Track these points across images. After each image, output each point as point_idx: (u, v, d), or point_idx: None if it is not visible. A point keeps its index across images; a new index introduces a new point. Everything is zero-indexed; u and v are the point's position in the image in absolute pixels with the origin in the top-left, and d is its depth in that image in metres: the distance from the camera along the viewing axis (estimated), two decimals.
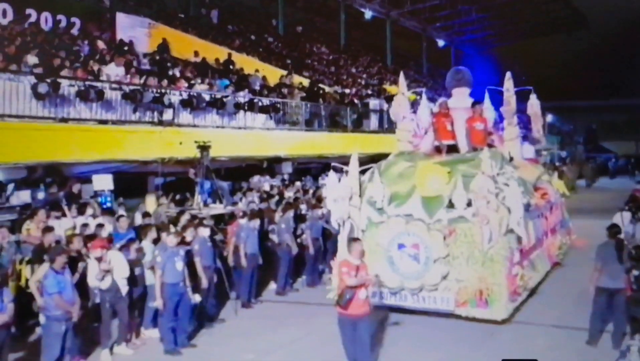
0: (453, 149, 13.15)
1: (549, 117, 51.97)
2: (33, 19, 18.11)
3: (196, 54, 21.60)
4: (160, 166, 14.64)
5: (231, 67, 22.03)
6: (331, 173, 11.95)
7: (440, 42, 47.17)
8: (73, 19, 19.22)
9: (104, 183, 13.99)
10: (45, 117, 12.83)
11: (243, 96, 18.09)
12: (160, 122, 14.76)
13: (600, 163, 48.75)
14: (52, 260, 8.15)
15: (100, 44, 17.98)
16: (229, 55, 22.93)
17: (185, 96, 15.89)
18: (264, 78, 21.81)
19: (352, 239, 8.33)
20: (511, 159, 12.76)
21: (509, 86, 13.81)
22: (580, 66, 53.10)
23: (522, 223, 10.33)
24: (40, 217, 10.84)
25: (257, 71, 22.45)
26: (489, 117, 13.64)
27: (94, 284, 8.93)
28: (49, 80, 12.70)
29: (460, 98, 13.91)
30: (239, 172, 18.41)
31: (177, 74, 17.80)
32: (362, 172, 11.41)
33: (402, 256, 10.47)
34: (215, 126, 16.69)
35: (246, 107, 17.56)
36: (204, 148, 13.74)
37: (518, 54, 49.77)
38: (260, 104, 18.25)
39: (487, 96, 14.83)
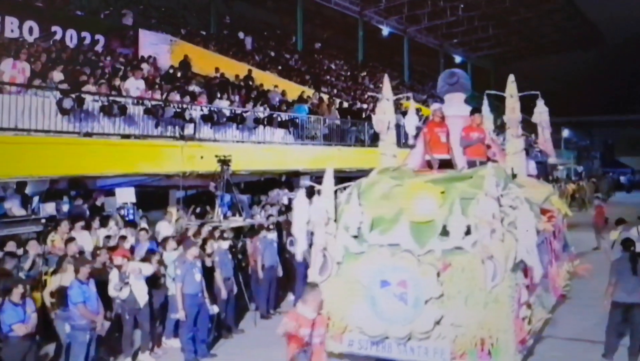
0: (447, 164, 11.21)
1: (566, 132, 51.90)
2: (59, 36, 18.56)
3: (217, 70, 21.94)
4: (182, 180, 14.87)
5: (251, 83, 22.35)
6: (300, 193, 9.68)
7: (458, 58, 47.31)
8: (97, 36, 19.69)
9: (126, 196, 14.26)
10: (70, 131, 13.04)
11: (262, 111, 18.36)
12: (182, 137, 14.96)
13: (615, 178, 48.33)
14: (77, 270, 8.39)
15: (122, 60, 18.39)
16: (249, 71, 23.27)
17: (206, 111, 16.13)
18: (282, 93, 22.08)
19: (310, 286, 7.16)
20: (514, 176, 10.74)
21: (512, 90, 11.63)
22: (597, 81, 52.95)
23: (535, 252, 8.22)
24: (64, 228, 11.07)
25: (276, 86, 22.72)
26: (488, 126, 12.21)
27: (113, 294, 9.16)
28: (73, 95, 12.96)
29: (454, 105, 12.14)
30: (258, 185, 18.63)
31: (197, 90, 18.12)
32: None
33: (386, 296, 8.30)
34: (236, 140, 16.88)
35: (265, 122, 17.79)
36: (224, 162, 13.95)
37: (535, 70, 49.74)
38: (279, 119, 18.48)
39: (485, 102, 13.21)
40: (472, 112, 11.38)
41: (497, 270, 7.93)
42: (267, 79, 23.81)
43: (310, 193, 9.33)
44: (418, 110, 14.32)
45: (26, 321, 7.65)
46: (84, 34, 19.29)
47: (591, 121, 59.02)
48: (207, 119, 15.92)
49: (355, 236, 8.77)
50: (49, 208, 12.91)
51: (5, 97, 12.13)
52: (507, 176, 9.92)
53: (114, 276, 9.17)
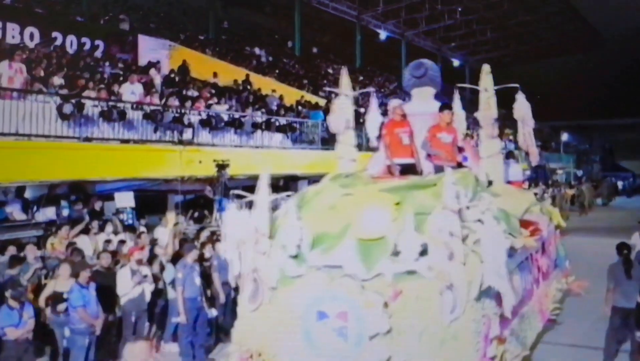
0: (411, 170, 9.64)
1: (565, 136, 51.95)
2: (59, 41, 18.65)
3: (215, 75, 22.09)
4: (180, 184, 15.00)
5: (249, 87, 22.49)
6: (231, 206, 8.19)
7: (456, 62, 47.46)
8: (97, 42, 19.77)
9: (125, 200, 14.37)
10: (70, 136, 13.17)
11: (260, 116, 18.50)
12: (180, 142, 15.10)
13: (614, 183, 48.49)
14: (77, 275, 8.49)
15: (121, 66, 18.55)
16: (247, 76, 23.41)
17: (204, 116, 16.28)
18: (280, 98, 22.21)
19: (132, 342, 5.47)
20: (490, 183, 9.30)
21: (486, 83, 9.85)
22: (597, 84, 53.00)
23: (505, 276, 6.77)
24: (64, 233, 11.18)
25: (274, 91, 22.87)
26: (460, 126, 10.58)
27: (126, 290, 9.15)
28: (73, 101, 13.12)
29: (422, 101, 10.53)
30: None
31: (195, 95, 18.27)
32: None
33: (322, 331, 6.88)
34: (234, 145, 17.01)
35: (263, 127, 17.94)
36: (222, 167, 14.10)
37: (534, 73, 49.92)
38: (277, 123, 18.61)
39: (456, 97, 11.22)
40: (442, 109, 9.82)
41: (457, 300, 6.49)
42: (265, 84, 23.95)
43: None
44: None
45: (21, 325, 7.70)
46: (83, 39, 19.39)
47: (591, 124, 59.09)
48: (205, 123, 16.07)
49: (294, 257, 7.18)
50: (49, 213, 13.01)
51: (7, 102, 12.28)
52: (479, 184, 8.61)
53: (125, 273, 9.19)
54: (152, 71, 18.40)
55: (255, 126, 17.64)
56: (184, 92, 18.04)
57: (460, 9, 39.67)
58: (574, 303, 11.24)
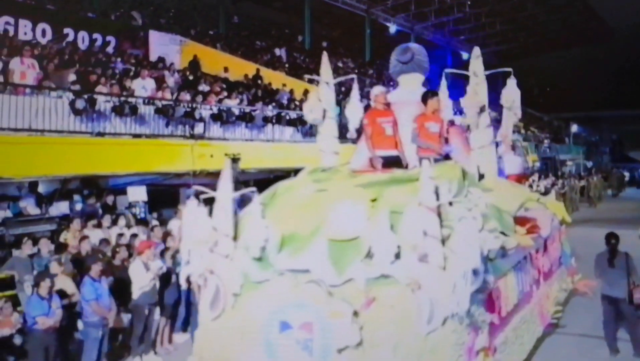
0: (395, 163, 8.81)
1: (574, 128, 51.78)
2: (71, 38, 18.85)
3: (226, 69, 22.17)
4: (192, 178, 15.10)
5: (259, 81, 22.57)
6: (190, 202, 7.11)
7: (465, 55, 47.28)
8: (109, 38, 19.94)
9: (138, 194, 14.49)
10: (83, 132, 13.30)
11: (271, 110, 18.59)
12: (192, 136, 15.21)
13: (622, 174, 48.20)
14: (89, 268, 8.62)
15: (132, 61, 18.67)
16: (257, 70, 23.48)
17: (215, 110, 16.38)
18: (291, 92, 22.28)
19: None
20: (481, 176, 8.66)
21: (476, 67, 9.11)
22: (606, 76, 52.73)
23: (469, 279, 5.83)
24: (76, 227, 11.32)
25: (284, 85, 22.94)
26: (447, 114, 9.56)
27: (140, 284, 9.22)
28: (86, 96, 13.25)
29: (408, 88, 9.68)
30: (267, 183, 18.79)
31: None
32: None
33: (285, 343, 6.21)
34: (245, 139, 17.12)
35: (274, 121, 18.03)
36: (233, 160, 14.16)
37: (543, 65, 49.71)
38: (287, 117, 18.68)
39: (444, 83, 10.16)
40: (427, 96, 8.93)
41: (435, 309, 5.78)
42: (275, 78, 24.01)
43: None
44: None
45: (50, 315, 7.89)
46: (95, 35, 19.55)
47: (600, 116, 58.79)
48: (216, 118, 16.16)
49: (259, 260, 6.55)
50: (63, 207, 13.16)
51: (20, 98, 12.40)
52: (467, 178, 7.74)
53: (138, 266, 9.27)
54: (166, 73, 18.52)
55: (266, 119, 17.73)
56: (196, 88, 18.16)
57: (469, 2, 39.51)
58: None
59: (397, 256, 6.00)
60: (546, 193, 18.54)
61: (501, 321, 7.09)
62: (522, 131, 41.52)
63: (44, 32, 18.13)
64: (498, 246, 6.78)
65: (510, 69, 10.03)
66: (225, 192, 6.70)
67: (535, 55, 51.23)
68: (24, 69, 13.30)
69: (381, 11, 39.35)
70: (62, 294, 8.51)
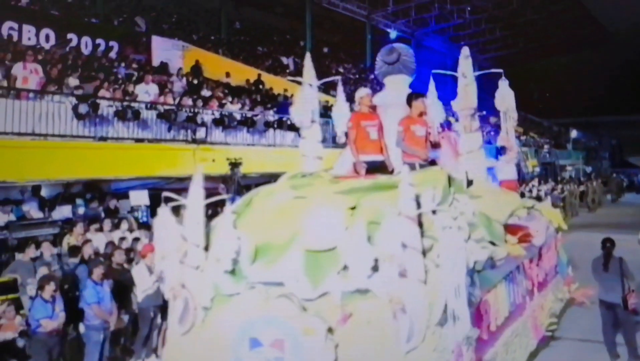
0: (380, 168, 8.37)
1: (574, 133, 51.86)
2: (74, 43, 18.84)
3: (227, 74, 22.28)
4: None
5: (261, 87, 22.68)
6: (162, 210, 6.72)
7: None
8: (111, 43, 19.96)
9: (140, 198, 14.56)
10: (85, 136, 13.35)
11: (272, 115, 18.70)
12: (194, 140, 15.27)
13: (622, 179, 48.21)
14: (90, 271, 8.65)
15: (135, 66, 18.78)
16: (259, 75, 23.60)
17: (217, 115, 16.47)
18: (292, 97, 22.35)
19: None
20: (470, 182, 8.19)
21: (465, 68, 8.95)
22: (605, 81, 52.91)
23: (464, 296, 5.66)
24: (79, 230, 11.37)
25: (285, 90, 23.04)
26: (434, 117, 9.08)
27: (144, 287, 9.17)
28: (88, 101, 13.35)
29: (394, 91, 9.24)
30: None
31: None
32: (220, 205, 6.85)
33: None
34: (246, 143, 17.18)
35: (275, 125, 18.12)
36: (235, 165, 14.27)
37: (543, 71, 49.83)
38: (289, 122, 18.77)
39: (432, 85, 9.68)
40: (413, 98, 8.51)
41: (415, 326, 5.37)
42: (276, 83, 24.12)
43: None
44: None
45: (54, 318, 7.94)
46: (98, 40, 19.59)
47: (600, 121, 58.89)
48: (218, 122, 16.25)
49: (231, 271, 6.13)
50: (65, 211, 13.22)
51: (23, 103, 12.48)
52: (454, 184, 7.20)
53: (141, 269, 9.24)
54: (174, 78, 18.62)
55: (268, 124, 17.83)
56: (198, 93, 18.26)
57: (469, 8, 39.67)
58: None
59: (375, 269, 5.59)
60: (539, 198, 18.53)
61: (490, 336, 6.67)
62: (522, 137, 41.62)
63: (47, 37, 18.21)
64: (486, 256, 6.43)
65: (501, 70, 9.81)
66: (195, 199, 6.29)
67: (535, 61, 51.42)
68: (27, 74, 13.39)
69: (382, 17, 39.50)
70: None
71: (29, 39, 17.81)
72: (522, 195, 21.31)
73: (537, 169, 38.82)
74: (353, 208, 6.32)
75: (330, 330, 5.58)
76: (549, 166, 43.26)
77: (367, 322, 5.57)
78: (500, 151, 10.89)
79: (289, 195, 7.16)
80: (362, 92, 8.85)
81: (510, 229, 7.82)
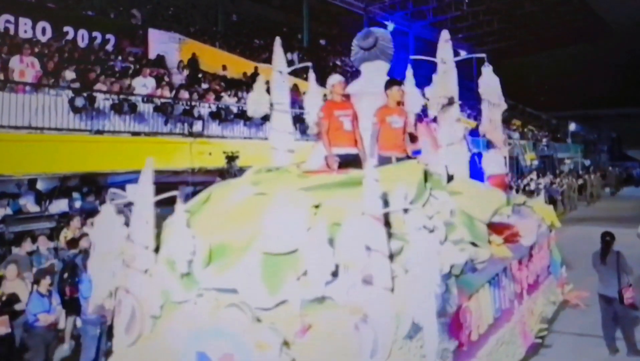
0: (354, 162, 7.51)
1: (572, 126, 51.90)
2: (70, 36, 18.87)
3: (224, 67, 22.21)
4: (191, 176, 15.16)
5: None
6: (105, 208, 6.16)
7: (463, 53, 47.36)
8: (108, 36, 19.98)
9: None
10: (82, 129, 13.36)
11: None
12: (191, 134, 15.26)
13: (619, 173, 48.30)
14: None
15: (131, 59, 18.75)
16: (256, 68, 23.51)
17: (214, 108, 16.44)
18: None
19: None
20: (451, 177, 7.39)
21: (444, 54, 8.04)
22: (604, 74, 52.91)
23: (432, 309, 4.88)
24: (76, 224, 11.35)
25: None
26: (412, 107, 8.09)
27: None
28: (85, 94, 13.32)
29: (372, 78, 8.54)
30: None
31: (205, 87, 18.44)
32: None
33: None
34: (243, 137, 17.15)
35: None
36: (232, 158, 14.23)
37: (541, 63, 49.79)
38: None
39: (410, 73, 8.44)
40: (389, 85, 7.79)
41: (380, 339, 4.75)
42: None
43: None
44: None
45: (51, 312, 7.93)
46: (95, 33, 19.59)
47: (598, 114, 58.95)
48: (215, 116, 16.23)
49: (184, 276, 5.53)
50: (62, 205, 13.21)
51: (19, 96, 12.47)
52: (431, 180, 6.52)
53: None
54: (174, 70, 18.56)
55: (265, 117, 17.76)
56: (195, 86, 18.22)
57: (466, 1, 39.60)
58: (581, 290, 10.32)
59: (335, 275, 4.98)
60: (538, 192, 18.33)
61: (471, 346, 5.98)
62: (520, 130, 41.64)
63: (44, 30, 18.18)
64: (464, 259, 5.70)
65: (483, 55, 9.12)
66: (144, 196, 5.70)
67: (534, 54, 51.37)
68: (23, 68, 13.38)
69: (379, 9, 39.42)
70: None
71: (25, 31, 17.80)
72: (521, 189, 21.36)
73: (536, 162, 38.88)
74: (318, 206, 5.65)
75: (286, 344, 4.94)
76: (548, 159, 43.33)
77: (327, 335, 4.95)
78: (488, 145, 9.81)
79: (250, 191, 6.44)
80: (335, 79, 8.06)
81: (495, 228, 7.02)
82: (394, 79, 8.01)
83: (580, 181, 32.67)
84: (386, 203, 5.14)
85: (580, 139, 53.95)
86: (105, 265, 5.86)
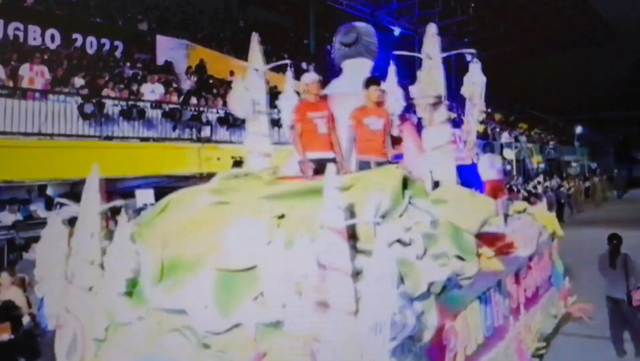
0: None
1: (579, 129, 51.74)
2: (79, 43, 18.98)
3: (232, 73, 22.28)
4: (199, 181, 15.19)
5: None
6: (53, 219, 5.83)
7: (469, 57, 47.28)
8: (116, 43, 20.09)
9: (146, 197, 14.56)
10: (91, 135, 13.49)
11: (277, 113, 18.69)
12: (199, 139, 15.38)
13: (624, 176, 48.06)
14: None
15: (139, 66, 18.87)
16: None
17: (222, 113, 16.52)
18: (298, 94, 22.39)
19: None
20: (436, 184, 6.68)
21: (430, 49, 7.25)
22: (610, 77, 52.76)
23: (385, 333, 3.98)
24: None
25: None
26: (394, 107, 7.61)
27: None
28: (94, 100, 13.43)
29: (353, 77, 7.88)
30: None
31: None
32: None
33: None
34: None
35: (280, 124, 18.12)
36: (239, 163, 14.29)
37: (547, 67, 49.66)
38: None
39: (392, 70, 7.97)
40: (367, 84, 7.21)
41: None
42: (281, 81, 24.09)
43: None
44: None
45: None
46: (103, 40, 19.71)
47: (604, 117, 58.71)
48: (223, 121, 16.31)
49: (128, 294, 4.99)
50: (72, 210, 13.26)
51: (30, 103, 12.59)
52: (412, 187, 5.54)
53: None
54: (183, 76, 18.64)
55: (272, 123, 17.83)
56: (202, 92, 18.31)
57: (472, 5, 39.63)
58: (589, 293, 10.02)
59: (293, 296, 4.33)
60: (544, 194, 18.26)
61: None
62: (527, 133, 41.58)
63: (52, 38, 18.32)
64: (445, 275, 4.83)
65: (473, 51, 8.52)
66: (89, 205, 5.25)
67: (540, 57, 51.23)
68: (33, 76, 13.50)
69: (386, 14, 39.49)
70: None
71: (35, 39, 17.92)
72: (527, 193, 21.32)
73: (542, 166, 38.80)
74: (282, 217, 5.03)
75: None
76: (554, 162, 43.23)
77: None
78: (485, 148, 9.23)
79: (209, 200, 5.78)
80: (309, 78, 7.48)
81: (486, 239, 6.13)
82: (373, 78, 7.45)
83: (587, 184, 32.58)
84: (352, 214, 4.52)
85: (587, 142, 53.79)
86: (52, 281, 5.37)
